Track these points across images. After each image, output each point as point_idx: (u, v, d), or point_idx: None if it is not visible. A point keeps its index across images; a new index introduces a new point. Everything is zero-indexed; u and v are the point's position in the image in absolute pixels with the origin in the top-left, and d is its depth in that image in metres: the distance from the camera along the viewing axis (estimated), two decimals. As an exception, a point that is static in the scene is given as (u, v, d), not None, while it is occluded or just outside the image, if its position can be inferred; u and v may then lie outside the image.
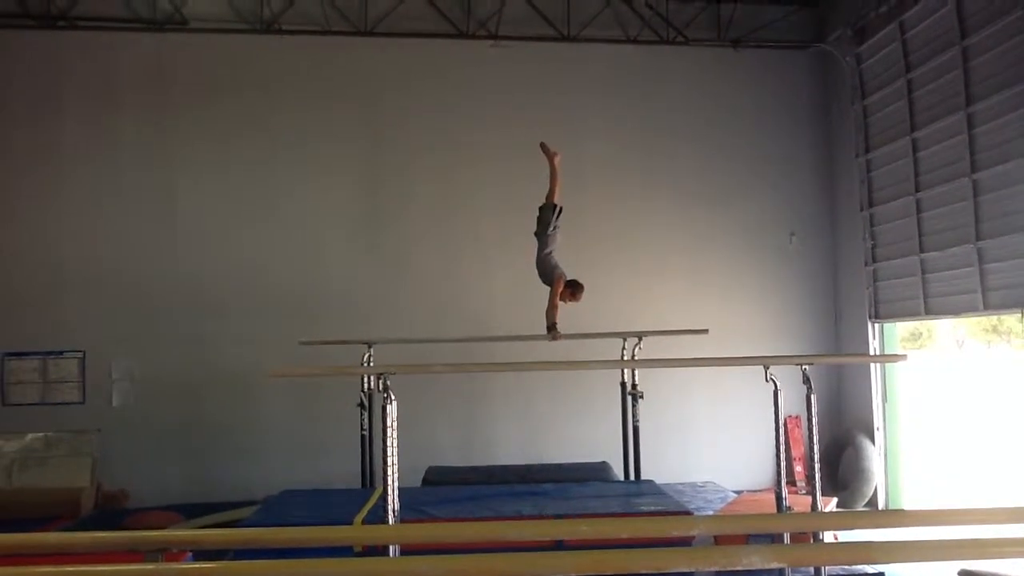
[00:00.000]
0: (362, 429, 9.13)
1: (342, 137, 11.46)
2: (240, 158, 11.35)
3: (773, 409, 6.01)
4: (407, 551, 5.14)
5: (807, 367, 5.92)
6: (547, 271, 7.44)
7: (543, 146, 7.81)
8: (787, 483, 6.19)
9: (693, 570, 6.21)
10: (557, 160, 7.74)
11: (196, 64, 11.35)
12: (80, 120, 11.13)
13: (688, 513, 7.40)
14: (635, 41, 11.85)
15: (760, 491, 10.51)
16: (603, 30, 11.75)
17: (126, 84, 11.25)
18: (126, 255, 11.06)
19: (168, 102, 11.29)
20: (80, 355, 10.93)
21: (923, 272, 10.05)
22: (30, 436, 10.46)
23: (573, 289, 7.36)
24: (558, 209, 7.63)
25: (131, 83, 11.26)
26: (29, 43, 11.04)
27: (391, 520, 5.34)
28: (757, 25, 11.76)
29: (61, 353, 10.93)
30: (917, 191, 10.14)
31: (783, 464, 6.10)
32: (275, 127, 11.40)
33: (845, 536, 6.79)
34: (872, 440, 10.96)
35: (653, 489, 8.35)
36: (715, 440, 11.45)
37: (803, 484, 11.13)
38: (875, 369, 11.08)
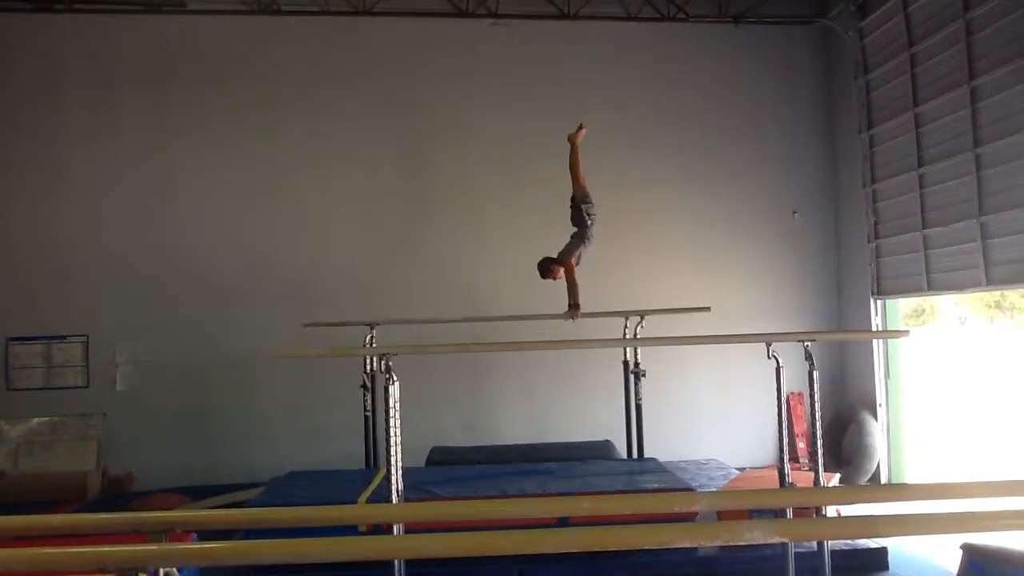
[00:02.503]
0: (365, 410, 9.16)
1: (342, 119, 11.41)
2: (241, 141, 11.31)
3: (775, 386, 6.02)
4: (411, 529, 5.17)
5: (809, 344, 5.93)
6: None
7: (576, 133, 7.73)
8: (790, 459, 6.21)
9: (697, 546, 6.25)
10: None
11: (195, 47, 11.30)
12: (80, 104, 11.09)
13: (691, 490, 7.44)
14: (636, 18, 11.77)
15: (763, 468, 10.55)
16: (603, 7, 11.67)
17: (125, 68, 11.20)
18: (129, 239, 11.06)
19: (168, 86, 11.25)
20: (84, 339, 10.95)
21: (926, 248, 10.01)
22: (35, 420, 10.52)
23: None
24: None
25: (130, 67, 11.21)
26: (27, 27, 10.99)
27: (395, 499, 5.36)
28: (758, 0, 11.67)
29: (65, 338, 10.95)
30: (920, 166, 10.08)
31: (786, 440, 6.11)
32: (275, 109, 11.36)
33: (848, 511, 6.83)
34: (875, 416, 10.97)
35: (656, 467, 8.39)
36: (718, 418, 11.46)
37: (806, 460, 11.16)
38: (878, 345, 11.07)
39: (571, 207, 7.63)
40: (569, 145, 7.67)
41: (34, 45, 11.03)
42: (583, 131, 7.66)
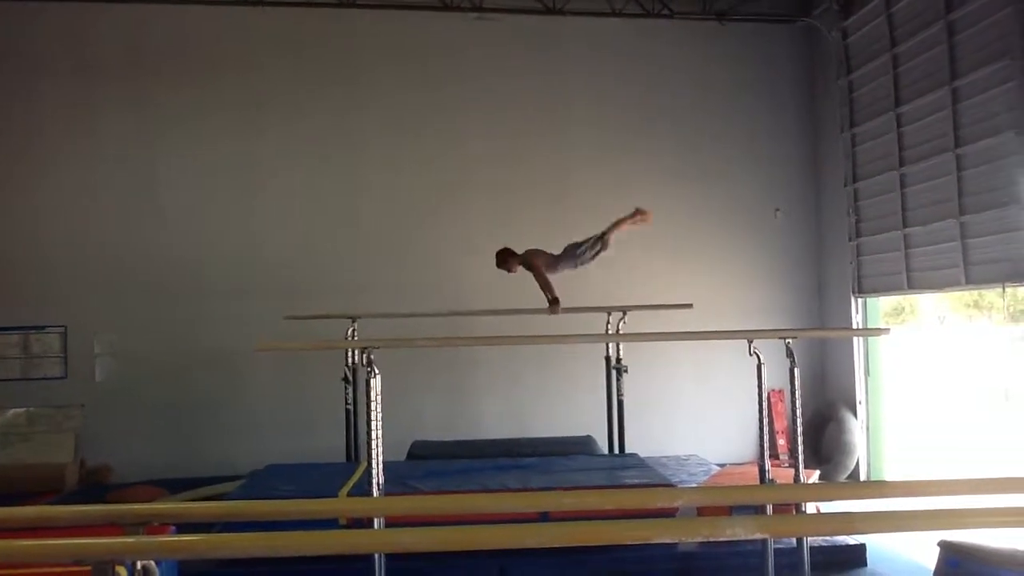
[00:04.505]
0: (347, 403, 9.13)
1: (326, 112, 11.35)
2: (224, 133, 11.22)
3: (756, 383, 6.04)
4: (392, 523, 5.15)
5: (790, 341, 5.94)
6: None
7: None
8: (770, 456, 6.23)
9: (677, 541, 6.27)
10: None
11: (177, 37, 11.20)
12: (59, 95, 10.98)
13: (671, 485, 7.46)
14: (619, 14, 11.75)
15: (743, 464, 10.60)
16: (587, 3, 11.65)
17: (107, 57, 11.09)
18: (108, 230, 10.96)
19: (149, 76, 11.13)
20: (62, 330, 10.85)
21: (906, 247, 10.08)
22: (12, 411, 10.42)
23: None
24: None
25: (112, 56, 11.10)
26: (5, 15, 10.83)
27: (376, 493, 5.34)
28: (743, -2, 11.70)
29: (43, 328, 10.84)
30: (901, 166, 10.14)
31: (766, 437, 6.14)
32: (259, 102, 11.28)
33: (827, 507, 6.87)
34: (855, 413, 11.05)
35: (637, 462, 8.40)
36: (699, 414, 11.50)
37: (786, 457, 11.22)
38: (858, 343, 11.14)
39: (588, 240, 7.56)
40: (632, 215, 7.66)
41: (13, 34, 10.89)
42: (646, 218, 7.70)
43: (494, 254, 7.55)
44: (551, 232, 7.60)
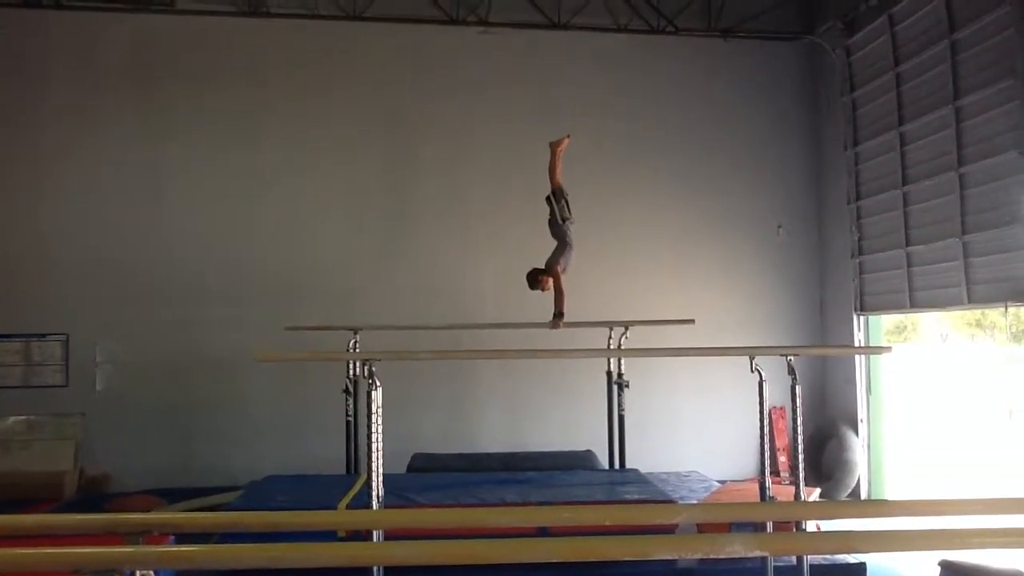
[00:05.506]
0: (347, 415, 9.12)
1: (329, 123, 11.39)
2: (227, 142, 11.27)
3: (758, 400, 6.03)
4: (391, 536, 5.14)
5: (792, 358, 5.94)
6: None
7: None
8: (771, 473, 6.22)
9: (676, 558, 6.26)
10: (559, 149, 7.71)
11: (183, 46, 11.25)
12: (65, 101, 11.03)
13: (672, 502, 7.44)
14: (625, 30, 11.81)
15: (744, 481, 10.56)
16: (593, 18, 11.71)
17: (112, 65, 11.15)
18: (112, 238, 10.99)
19: (154, 84, 11.19)
20: (64, 338, 10.86)
21: (909, 265, 10.08)
22: (12, 419, 10.40)
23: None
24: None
25: (117, 65, 11.16)
26: (13, 22, 10.92)
27: (375, 505, 5.34)
28: (747, 15, 11.74)
29: (44, 336, 10.85)
30: (904, 184, 10.17)
31: (767, 454, 6.13)
32: (263, 112, 11.33)
33: (828, 526, 6.85)
34: (856, 431, 11.02)
35: (637, 478, 8.38)
36: (700, 430, 11.48)
37: (787, 474, 11.19)
38: (860, 361, 11.13)
39: (549, 206, 7.62)
40: (550, 151, 7.70)
41: (20, 40, 10.96)
42: (566, 141, 7.71)
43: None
44: (552, 243, 7.61)
